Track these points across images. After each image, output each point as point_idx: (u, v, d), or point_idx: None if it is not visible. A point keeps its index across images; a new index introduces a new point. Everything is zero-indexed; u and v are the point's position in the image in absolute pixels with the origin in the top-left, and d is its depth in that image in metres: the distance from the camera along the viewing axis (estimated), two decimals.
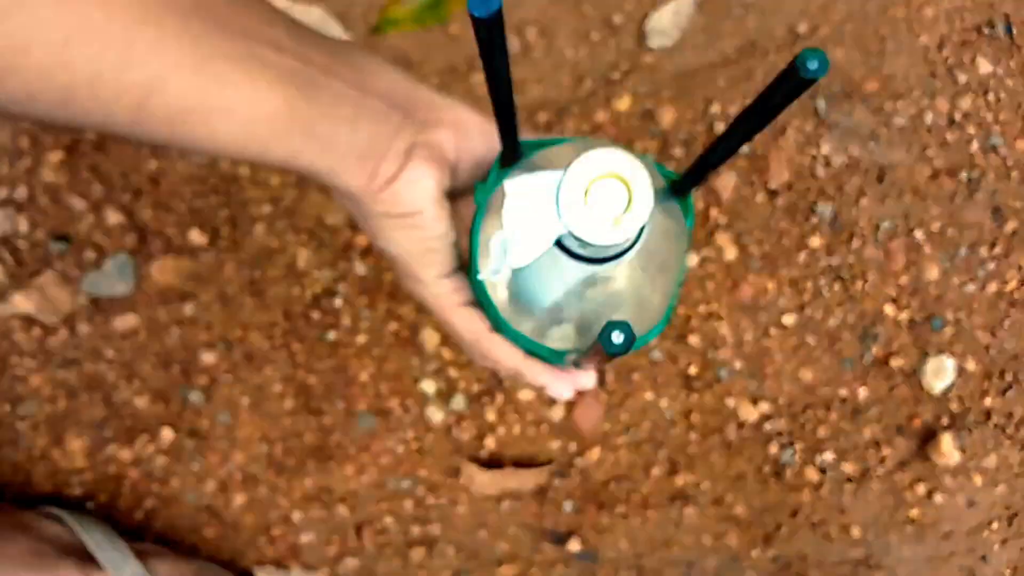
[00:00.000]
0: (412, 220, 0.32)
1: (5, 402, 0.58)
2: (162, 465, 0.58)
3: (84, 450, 0.58)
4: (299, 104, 0.28)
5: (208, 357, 0.58)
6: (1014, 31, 0.60)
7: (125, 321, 0.58)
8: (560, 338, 0.32)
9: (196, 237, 0.58)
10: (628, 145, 0.59)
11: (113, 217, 0.58)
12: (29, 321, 0.58)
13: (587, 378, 0.41)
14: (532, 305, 0.31)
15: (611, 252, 0.26)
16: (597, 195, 0.23)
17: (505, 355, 0.36)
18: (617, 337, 0.22)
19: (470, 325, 0.36)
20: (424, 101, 0.32)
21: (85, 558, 0.53)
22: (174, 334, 0.58)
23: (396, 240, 0.33)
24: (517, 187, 0.29)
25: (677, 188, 0.30)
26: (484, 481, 0.58)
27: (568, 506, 0.59)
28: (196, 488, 0.58)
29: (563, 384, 0.40)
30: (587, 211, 0.23)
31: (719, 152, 0.23)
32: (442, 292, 0.35)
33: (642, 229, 0.25)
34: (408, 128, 0.31)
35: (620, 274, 0.29)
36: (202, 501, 0.58)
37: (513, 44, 0.59)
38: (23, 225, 0.58)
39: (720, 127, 0.59)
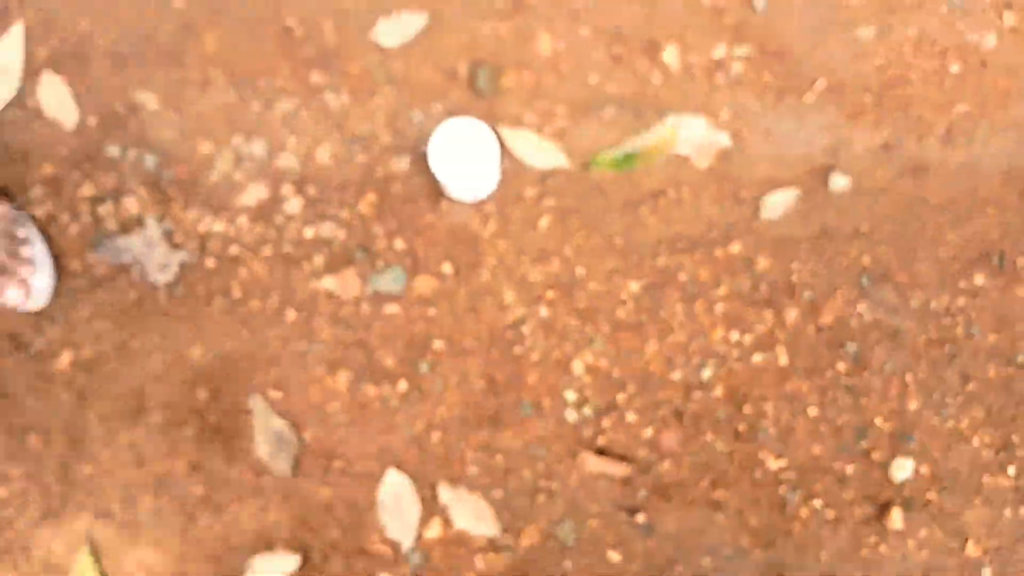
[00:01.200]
0: None
1: (302, 340, 0.92)
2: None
3: (347, 383, 0.91)
4: None
5: (438, 344, 0.91)
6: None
7: (391, 308, 0.91)
8: None
9: (447, 269, 0.91)
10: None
11: (399, 245, 0.91)
12: (331, 295, 0.91)
13: None
14: None
15: None
16: None
17: None
18: None
19: None
20: None
21: None
22: (419, 325, 0.91)
23: None
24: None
25: None
26: (592, 463, 0.90)
27: (642, 493, 0.91)
28: None
29: None
30: None
31: None
32: None
33: None
34: None
35: None
36: None
37: None
38: (341, 235, 0.92)
39: None
